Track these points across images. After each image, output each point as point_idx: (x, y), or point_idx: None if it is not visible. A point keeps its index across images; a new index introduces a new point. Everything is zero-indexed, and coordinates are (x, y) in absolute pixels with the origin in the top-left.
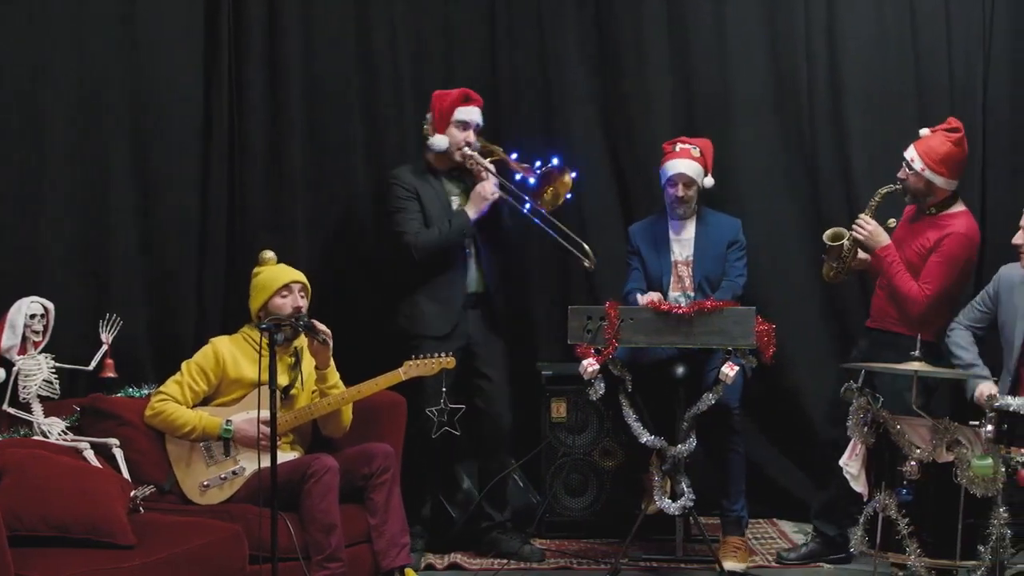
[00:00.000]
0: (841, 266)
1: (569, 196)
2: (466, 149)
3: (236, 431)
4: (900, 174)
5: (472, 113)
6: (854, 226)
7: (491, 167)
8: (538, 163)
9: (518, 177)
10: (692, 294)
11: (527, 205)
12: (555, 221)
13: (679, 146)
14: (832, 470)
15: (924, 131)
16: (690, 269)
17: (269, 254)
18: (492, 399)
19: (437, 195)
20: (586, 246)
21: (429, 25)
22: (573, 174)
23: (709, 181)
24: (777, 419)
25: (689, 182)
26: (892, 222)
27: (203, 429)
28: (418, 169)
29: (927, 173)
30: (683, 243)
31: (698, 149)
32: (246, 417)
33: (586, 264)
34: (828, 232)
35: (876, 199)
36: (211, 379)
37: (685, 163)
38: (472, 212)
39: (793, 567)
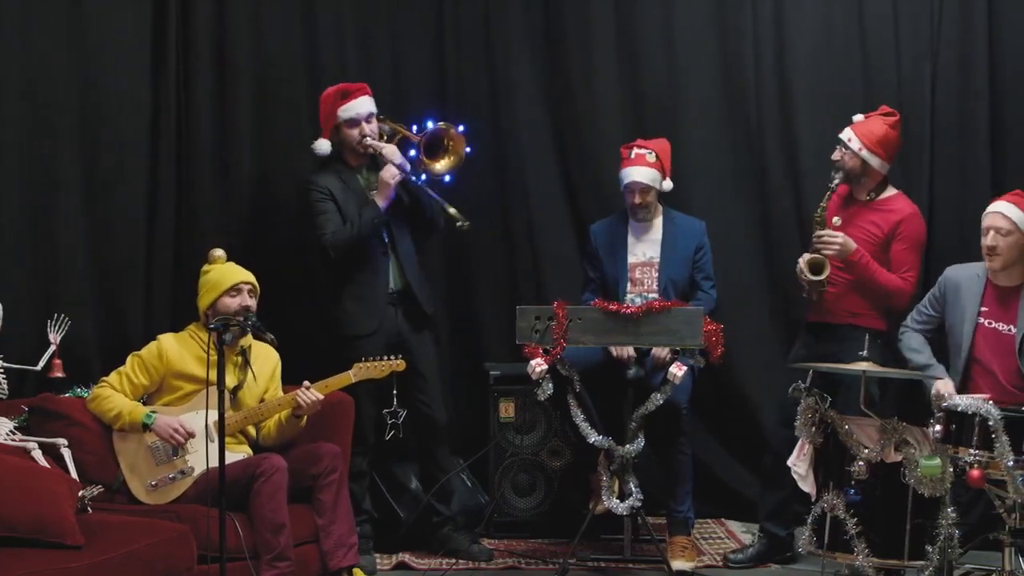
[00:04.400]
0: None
1: (468, 150)
2: (366, 140)
3: (157, 420)
4: (835, 156)
5: (357, 107)
6: (821, 245)
7: (387, 148)
8: (428, 123)
9: (412, 154)
10: (652, 296)
11: (415, 178)
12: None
13: (635, 152)
14: (784, 471)
15: (858, 117)
16: (653, 271)
17: (219, 252)
18: (429, 397)
19: (354, 191)
20: (451, 210)
21: (376, 25)
22: (460, 127)
23: (668, 185)
24: (725, 419)
25: (645, 189)
26: (837, 220)
27: (129, 416)
28: (335, 169)
29: (864, 153)
30: (648, 244)
31: (654, 154)
32: (182, 416)
33: (459, 224)
34: (807, 266)
35: (821, 211)
36: (152, 375)
37: (640, 171)
38: (381, 200)
39: (741, 569)
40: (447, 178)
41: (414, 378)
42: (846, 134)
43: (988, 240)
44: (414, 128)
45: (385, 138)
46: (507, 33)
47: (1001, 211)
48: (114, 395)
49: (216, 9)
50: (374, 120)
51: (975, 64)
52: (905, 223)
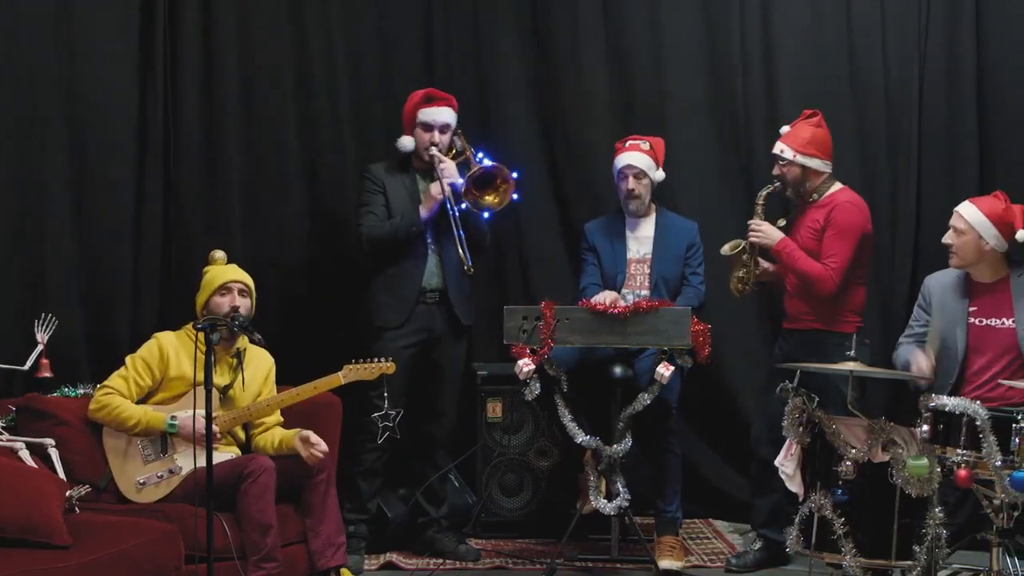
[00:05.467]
0: (747, 275)
1: (515, 197)
2: (432, 149)
3: (181, 426)
4: (775, 171)
5: (435, 114)
6: (748, 233)
7: (446, 164)
8: (487, 160)
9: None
10: (644, 292)
11: (456, 207)
12: (459, 228)
13: (629, 142)
14: (772, 475)
15: (785, 128)
16: (646, 267)
17: (219, 254)
18: (440, 397)
19: (407, 190)
20: (469, 258)
21: (365, 26)
22: (515, 174)
23: (660, 174)
24: (713, 419)
25: (639, 174)
26: (782, 222)
27: (147, 423)
28: (394, 164)
29: (799, 158)
30: (640, 241)
31: (648, 143)
32: (190, 413)
33: (465, 268)
34: (725, 246)
35: (760, 202)
36: (155, 374)
37: (634, 156)
38: (423, 211)
39: (739, 574)
40: (486, 214)
41: (435, 380)
42: (777, 147)
43: (945, 238)
44: (479, 156)
45: (454, 151)
46: (495, 34)
47: (960, 211)
48: (124, 403)
49: (202, 12)
50: (449, 132)
51: (963, 66)
52: (836, 210)
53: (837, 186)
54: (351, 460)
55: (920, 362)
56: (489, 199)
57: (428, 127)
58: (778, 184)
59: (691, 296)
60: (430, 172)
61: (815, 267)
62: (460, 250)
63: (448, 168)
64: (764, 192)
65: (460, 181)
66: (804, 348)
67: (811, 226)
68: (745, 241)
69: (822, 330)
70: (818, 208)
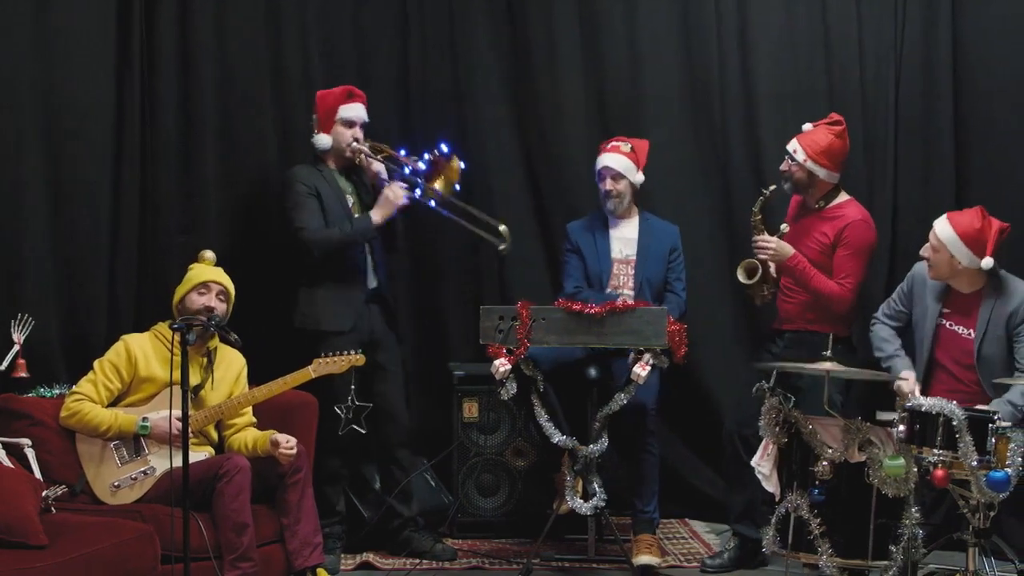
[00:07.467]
0: (769, 288)
1: (457, 187)
2: (355, 144)
3: (153, 427)
4: (783, 167)
5: (357, 110)
6: (756, 250)
7: (376, 164)
8: (425, 154)
9: (407, 171)
10: (628, 292)
11: (432, 201)
12: (464, 206)
13: (612, 143)
14: (745, 471)
15: (807, 126)
16: (630, 269)
17: (208, 254)
18: (393, 395)
19: (335, 193)
20: (502, 227)
21: (341, 25)
22: (461, 163)
23: (639, 177)
24: (689, 419)
25: (616, 175)
26: (784, 227)
27: (119, 427)
28: (314, 168)
29: (809, 164)
30: (624, 242)
31: (629, 146)
32: (161, 414)
33: (500, 248)
34: (742, 272)
35: (757, 217)
36: (124, 376)
37: (612, 157)
38: (377, 216)
39: (715, 574)
40: (457, 187)
41: (383, 376)
42: (792, 145)
43: (923, 251)
44: (402, 152)
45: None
46: (472, 35)
47: (935, 227)
48: (95, 409)
49: (179, 10)
50: (363, 131)
51: (938, 64)
52: (849, 228)
53: (844, 197)
54: (315, 466)
55: (906, 387)
56: (440, 183)
57: (350, 123)
58: (775, 188)
59: (673, 306)
60: (348, 171)
61: (830, 286)
62: (480, 231)
63: (379, 167)
64: (757, 207)
65: (402, 184)
66: (797, 348)
67: (819, 239)
68: (758, 263)
69: (818, 331)
70: (824, 220)
